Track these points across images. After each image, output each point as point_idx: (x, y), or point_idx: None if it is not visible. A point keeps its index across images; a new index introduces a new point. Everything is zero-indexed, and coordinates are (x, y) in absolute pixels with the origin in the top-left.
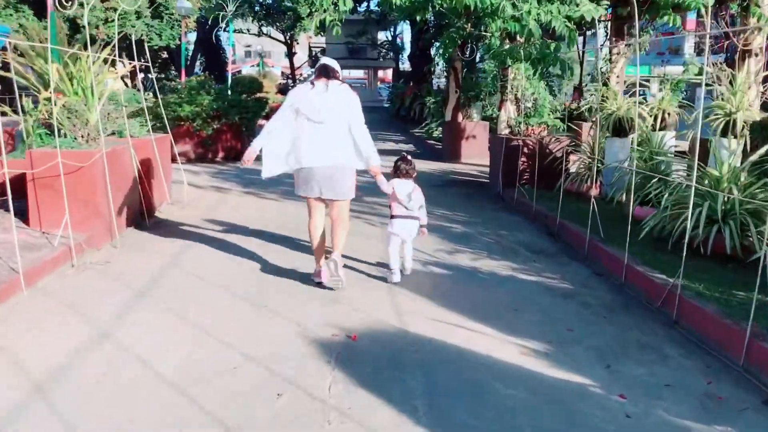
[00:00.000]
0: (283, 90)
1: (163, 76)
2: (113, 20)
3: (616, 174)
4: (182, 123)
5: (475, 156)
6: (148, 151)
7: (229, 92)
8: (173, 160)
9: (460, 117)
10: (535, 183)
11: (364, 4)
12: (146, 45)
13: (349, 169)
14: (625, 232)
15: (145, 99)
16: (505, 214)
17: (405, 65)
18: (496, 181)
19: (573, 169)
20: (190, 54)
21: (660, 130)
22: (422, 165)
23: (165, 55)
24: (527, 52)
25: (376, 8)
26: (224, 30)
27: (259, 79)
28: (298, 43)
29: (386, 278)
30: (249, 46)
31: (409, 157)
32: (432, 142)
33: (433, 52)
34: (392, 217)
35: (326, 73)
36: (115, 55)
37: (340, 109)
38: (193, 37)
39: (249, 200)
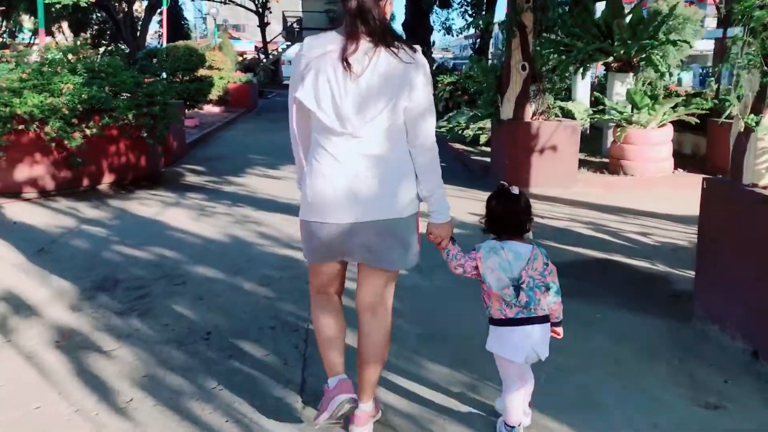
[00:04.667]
0: (249, 67)
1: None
2: None
3: None
4: (23, 126)
5: (558, 182)
6: None
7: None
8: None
9: (528, 112)
10: None
11: None
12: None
13: (408, 221)
14: None
15: None
16: None
17: None
18: (722, 301)
19: None
20: (140, 24)
21: None
22: (454, 198)
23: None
24: None
25: None
26: None
27: (201, 50)
28: (270, 12)
29: None
30: (207, 13)
31: (516, 189)
32: (463, 148)
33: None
34: (493, 322)
35: (363, 19)
36: None
37: (390, 103)
38: (148, 4)
39: None
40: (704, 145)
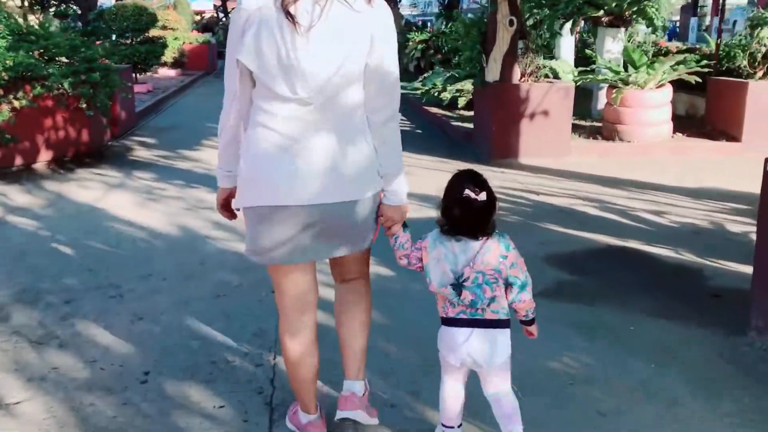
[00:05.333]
0: (207, 27)
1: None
2: None
3: None
4: None
5: (551, 151)
6: None
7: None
8: None
9: (516, 72)
10: None
11: None
12: None
13: (372, 199)
14: None
15: None
16: None
17: None
18: None
19: None
20: None
21: None
22: (427, 169)
23: None
24: None
25: None
26: None
27: (152, 9)
28: None
29: None
30: None
31: (483, 195)
32: (440, 112)
33: None
34: (443, 321)
35: None
36: None
37: (347, 61)
38: None
39: None
40: (702, 106)
